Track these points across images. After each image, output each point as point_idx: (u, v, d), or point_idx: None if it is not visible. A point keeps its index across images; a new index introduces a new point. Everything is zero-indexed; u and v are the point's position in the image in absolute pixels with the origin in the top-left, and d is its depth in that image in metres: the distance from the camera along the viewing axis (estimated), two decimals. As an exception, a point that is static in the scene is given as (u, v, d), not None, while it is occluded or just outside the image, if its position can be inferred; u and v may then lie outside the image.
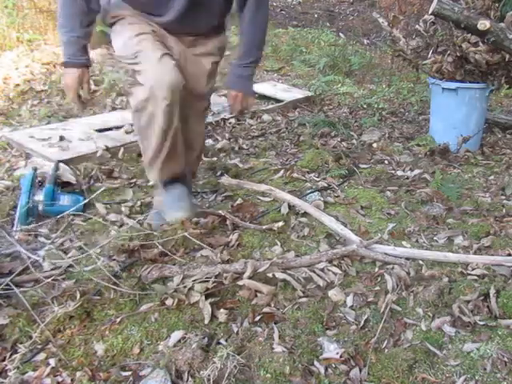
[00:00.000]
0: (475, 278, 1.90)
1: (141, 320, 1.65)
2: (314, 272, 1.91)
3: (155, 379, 1.39)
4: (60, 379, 1.42)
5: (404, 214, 2.44)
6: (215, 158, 3.08)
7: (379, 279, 1.92)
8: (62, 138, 3.09)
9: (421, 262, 1.99)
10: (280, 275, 1.85)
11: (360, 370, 1.48)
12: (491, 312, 1.71)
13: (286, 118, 3.99)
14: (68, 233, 2.15)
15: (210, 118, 3.71)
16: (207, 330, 1.60)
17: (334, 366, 1.50)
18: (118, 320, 1.65)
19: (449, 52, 3.27)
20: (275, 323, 1.65)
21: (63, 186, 2.52)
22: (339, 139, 3.48)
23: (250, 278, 1.81)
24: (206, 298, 1.74)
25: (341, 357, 1.51)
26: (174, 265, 1.90)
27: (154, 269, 1.84)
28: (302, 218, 2.35)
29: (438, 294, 1.78)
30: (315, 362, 1.51)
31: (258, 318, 1.68)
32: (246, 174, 2.89)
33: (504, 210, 2.46)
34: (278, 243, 2.15)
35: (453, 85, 3.21)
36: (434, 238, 2.24)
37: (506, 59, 3.08)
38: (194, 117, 2.19)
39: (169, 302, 1.72)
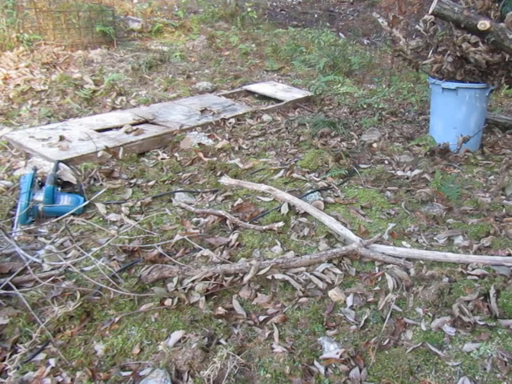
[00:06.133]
0: (475, 278, 1.90)
1: (141, 320, 1.65)
2: (314, 275, 1.90)
3: (155, 379, 1.39)
4: (60, 379, 1.43)
5: (404, 214, 2.44)
6: (215, 158, 3.09)
7: (379, 279, 1.92)
8: (62, 138, 3.09)
9: (421, 262, 1.99)
10: (280, 276, 1.86)
11: (360, 370, 1.48)
12: (491, 312, 1.71)
13: (286, 118, 3.99)
14: (68, 233, 2.15)
15: (210, 118, 3.71)
16: (207, 329, 1.60)
17: (333, 365, 1.50)
18: (118, 320, 1.65)
19: (449, 52, 3.27)
20: (275, 323, 1.66)
21: (63, 186, 2.52)
22: (339, 139, 3.48)
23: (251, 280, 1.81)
24: (206, 298, 1.75)
25: (341, 357, 1.51)
26: (173, 265, 1.89)
27: (154, 269, 1.84)
28: (302, 218, 2.35)
29: (438, 293, 1.78)
30: (315, 362, 1.51)
31: (258, 319, 1.69)
32: (246, 174, 2.89)
33: (504, 210, 2.46)
34: (278, 243, 2.15)
35: (453, 85, 3.21)
36: (434, 238, 2.24)
37: (506, 59, 3.07)
38: None
39: (168, 302, 1.72)
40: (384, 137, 3.59)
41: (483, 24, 2.79)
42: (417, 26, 3.50)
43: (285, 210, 2.38)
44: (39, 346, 1.54)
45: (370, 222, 2.36)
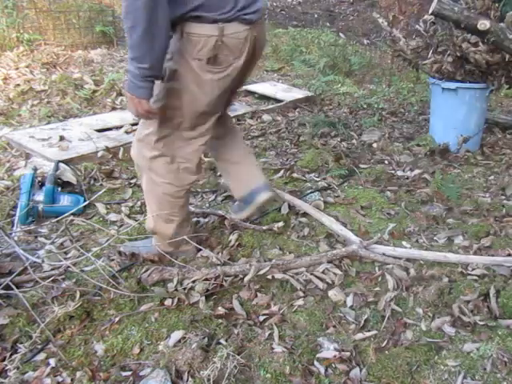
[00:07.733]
0: (475, 278, 1.90)
1: (141, 320, 1.65)
2: (314, 275, 1.90)
3: (155, 379, 1.39)
4: (60, 379, 1.43)
5: (404, 214, 2.44)
6: (215, 158, 3.08)
7: (379, 279, 1.92)
8: (61, 138, 3.09)
9: (421, 262, 1.99)
10: (280, 276, 1.86)
11: (360, 370, 1.48)
12: (491, 312, 1.71)
13: (286, 118, 3.99)
14: (68, 233, 2.15)
15: (210, 118, 3.70)
16: (207, 329, 1.60)
17: (333, 365, 1.50)
18: (118, 320, 1.65)
19: (449, 52, 3.26)
20: (275, 323, 1.66)
21: (63, 186, 2.52)
22: (339, 139, 3.48)
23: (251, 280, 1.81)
24: (206, 298, 1.74)
25: (340, 357, 1.51)
26: (173, 266, 1.89)
27: (154, 271, 1.83)
28: (302, 218, 2.35)
29: (438, 294, 1.78)
30: (315, 362, 1.51)
31: (258, 319, 1.69)
32: (246, 174, 2.88)
33: (504, 210, 2.46)
34: (278, 243, 2.14)
35: (453, 85, 3.20)
36: (434, 238, 2.24)
37: (506, 59, 3.07)
38: None
39: (168, 302, 1.72)
40: (384, 137, 3.59)
41: (483, 24, 2.79)
42: (417, 26, 3.50)
43: (285, 210, 2.38)
44: (39, 346, 1.54)
45: (370, 222, 2.36)
